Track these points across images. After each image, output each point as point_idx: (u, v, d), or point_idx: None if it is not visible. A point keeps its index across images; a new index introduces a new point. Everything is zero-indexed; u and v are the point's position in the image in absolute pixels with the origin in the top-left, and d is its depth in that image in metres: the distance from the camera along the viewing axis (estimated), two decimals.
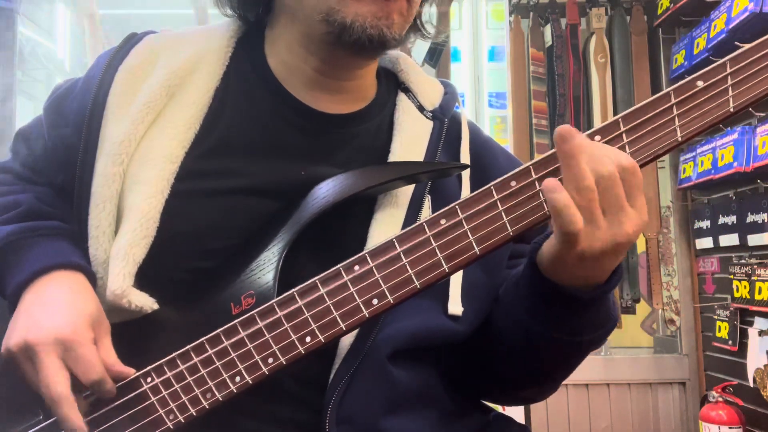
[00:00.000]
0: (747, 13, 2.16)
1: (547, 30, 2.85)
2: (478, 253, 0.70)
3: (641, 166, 0.68)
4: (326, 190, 0.78)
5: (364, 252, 0.72)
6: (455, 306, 0.81)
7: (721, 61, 0.67)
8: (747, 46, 0.66)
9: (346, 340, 0.77)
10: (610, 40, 2.84)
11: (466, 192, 0.86)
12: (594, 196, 0.65)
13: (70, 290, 0.75)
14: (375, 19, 0.77)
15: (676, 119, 0.67)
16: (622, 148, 0.68)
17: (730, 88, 0.66)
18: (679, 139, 0.67)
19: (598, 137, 0.68)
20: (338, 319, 0.71)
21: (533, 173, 0.69)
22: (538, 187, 0.69)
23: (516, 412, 2.30)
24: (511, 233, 0.69)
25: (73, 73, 3.03)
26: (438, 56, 2.64)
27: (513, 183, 0.69)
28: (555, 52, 2.80)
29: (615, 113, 2.78)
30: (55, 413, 0.70)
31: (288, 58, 0.85)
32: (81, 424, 0.70)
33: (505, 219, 0.69)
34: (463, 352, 0.88)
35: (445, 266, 0.70)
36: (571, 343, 0.77)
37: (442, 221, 0.70)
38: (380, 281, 0.71)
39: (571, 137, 0.65)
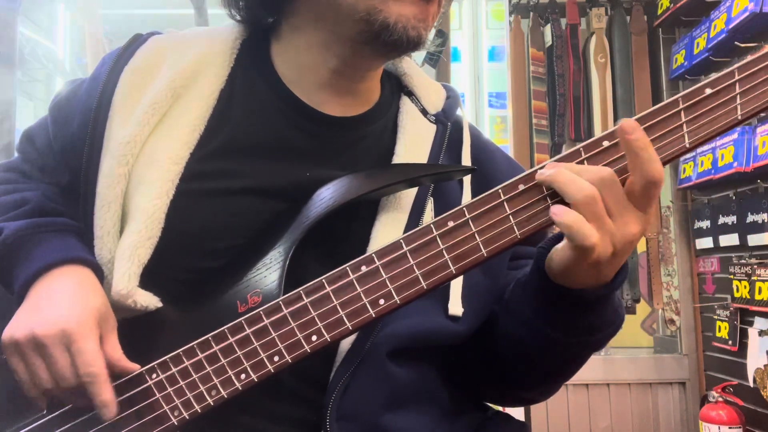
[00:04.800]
0: (747, 13, 2.16)
1: (547, 30, 2.85)
2: (485, 254, 0.70)
3: None
4: (332, 191, 0.78)
5: (371, 252, 0.71)
6: (455, 307, 0.81)
7: (729, 69, 0.66)
8: (756, 54, 0.66)
9: (347, 339, 0.77)
10: (610, 40, 2.85)
11: (467, 196, 0.86)
12: (598, 202, 0.65)
13: (78, 285, 0.75)
14: (416, 20, 0.78)
15: (684, 126, 0.67)
16: None
17: (738, 96, 0.66)
18: (687, 145, 0.67)
19: (606, 142, 0.69)
20: (344, 318, 0.71)
21: None
22: (545, 191, 0.69)
23: (516, 412, 2.30)
24: (519, 236, 0.69)
25: (73, 72, 3.03)
26: (437, 58, 2.64)
27: (521, 186, 0.69)
28: (555, 52, 2.81)
29: (615, 113, 2.79)
30: (90, 394, 0.71)
31: (304, 59, 0.85)
32: (113, 397, 0.72)
33: (512, 221, 0.69)
34: (466, 353, 0.88)
35: (452, 267, 0.70)
36: (581, 343, 0.78)
37: (450, 223, 0.70)
38: (387, 281, 0.71)
39: (553, 165, 0.68)
